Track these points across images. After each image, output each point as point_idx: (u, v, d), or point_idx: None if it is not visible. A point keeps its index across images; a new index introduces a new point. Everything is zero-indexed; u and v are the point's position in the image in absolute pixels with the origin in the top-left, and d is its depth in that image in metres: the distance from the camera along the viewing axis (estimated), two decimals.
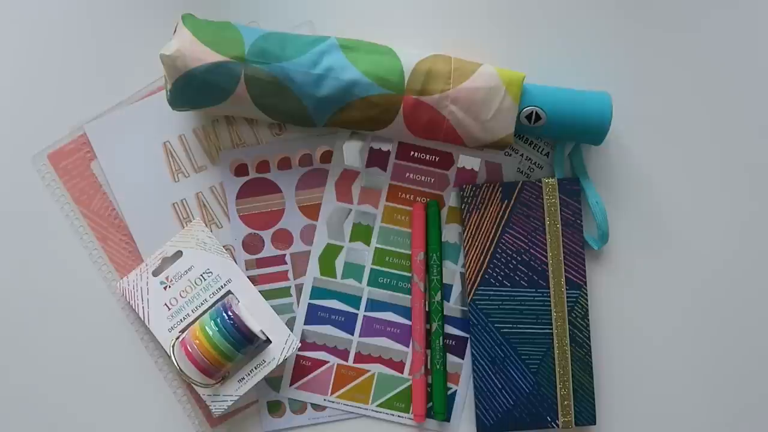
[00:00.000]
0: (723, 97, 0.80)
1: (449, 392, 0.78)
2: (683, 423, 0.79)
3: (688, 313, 0.79)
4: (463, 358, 0.78)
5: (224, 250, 0.77)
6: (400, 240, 0.79)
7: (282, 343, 0.76)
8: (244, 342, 0.73)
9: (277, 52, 0.73)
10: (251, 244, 0.79)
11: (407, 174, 0.79)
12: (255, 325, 0.74)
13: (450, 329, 0.78)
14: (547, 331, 0.77)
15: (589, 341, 0.77)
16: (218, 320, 0.73)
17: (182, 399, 0.78)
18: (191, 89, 0.73)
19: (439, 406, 0.77)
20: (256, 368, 0.75)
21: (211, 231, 0.79)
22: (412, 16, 0.80)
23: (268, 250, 0.79)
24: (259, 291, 0.77)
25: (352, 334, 0.79)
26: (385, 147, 0.79)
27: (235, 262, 0.78)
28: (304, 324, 0.79)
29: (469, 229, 0.77)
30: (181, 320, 0.76)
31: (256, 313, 0.76)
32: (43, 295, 0.78)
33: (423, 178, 0.79)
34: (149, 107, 0.78)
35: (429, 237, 0.78)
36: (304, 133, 0.79)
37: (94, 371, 0.78)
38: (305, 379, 0.78)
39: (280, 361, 0.76)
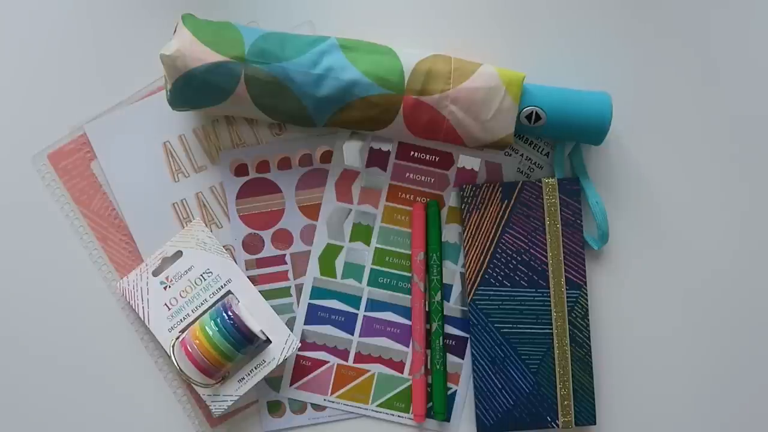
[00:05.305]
0: (723, 97, 0.79)
1: (449, 392, 0.78)
2: (683, 423, 0.79)
3: (688, 312, 0.79)
4: (463, 358, 0.78)
5: (224, 250, 0.77)
6: (400, 240, 0.79)
7: (282, 343, 0.76)
8: (244, 342, 0.73)
9: (277, 52, 0.73)
10: (251, 244, 0.79)
11: (407, 174, 0.79)
12: (255, 325, 0.74)
13: (450, 329, 0.78)
14: (547, 331, 0.77)
15: (589, 341, 0.77)
16: (218, 320, 0.73)
17: (182, 399, 0.78)
18: (191, 89, 0.73)
19: (439, 406, 0.77)
20: (256, 368, 0.75)
21: (211, 231, 0.79)
22: (412, 16, 0.80)
23: (268, 250, 0.79)
24: (259, 291, 0.77)
25: (352, 334, 0.79)
26: (385, 147, 0.79)
27: (235, 262, 0.78)
28: (304, 324, 0.79)
29: (469, 229, 0.77)
30: (181, 320, 0.76)
31: (256, 313, 0.76)
32: (43, 295, 0.78)
33: (423, 178, 0.79)
34: (149, 107, 0.78)
35: (429, 237, 0.78)
36: (304, 133, 0.79)
37: (94, 371, 0.78)
38: (305, 379, 0.78)
39: (280, 361, 0.76)
